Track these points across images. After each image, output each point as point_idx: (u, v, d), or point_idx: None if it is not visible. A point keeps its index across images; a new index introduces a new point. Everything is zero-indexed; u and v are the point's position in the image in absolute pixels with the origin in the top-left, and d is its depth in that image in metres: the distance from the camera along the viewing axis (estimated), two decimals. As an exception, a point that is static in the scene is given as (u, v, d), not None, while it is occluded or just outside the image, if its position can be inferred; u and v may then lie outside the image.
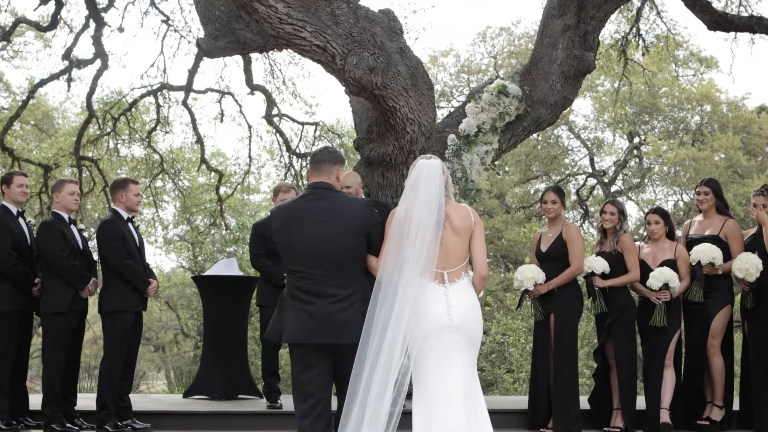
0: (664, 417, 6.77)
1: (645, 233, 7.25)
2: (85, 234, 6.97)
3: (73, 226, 6.65)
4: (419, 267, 4.17)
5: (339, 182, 4.46)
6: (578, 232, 6.93)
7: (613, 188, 23.07)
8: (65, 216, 6.62)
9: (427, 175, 4.32)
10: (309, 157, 4.57)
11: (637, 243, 7.20)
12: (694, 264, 6.87)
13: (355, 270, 4.29)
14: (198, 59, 14.30)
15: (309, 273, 4.24)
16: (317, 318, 4.19)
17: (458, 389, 4.16)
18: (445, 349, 4.20)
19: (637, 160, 23.38)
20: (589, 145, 23.44)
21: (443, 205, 4.30)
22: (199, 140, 16.28)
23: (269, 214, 4.82)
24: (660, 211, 7.15)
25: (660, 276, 6.73)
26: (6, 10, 14.22)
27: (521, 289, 6.77)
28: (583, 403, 7.07)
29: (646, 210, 22.36)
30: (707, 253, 6.84)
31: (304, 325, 4.21)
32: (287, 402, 8.61)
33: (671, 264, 6.85)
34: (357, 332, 4.12)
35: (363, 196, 6.89)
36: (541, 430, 6.73)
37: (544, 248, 6.86)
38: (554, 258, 6.77)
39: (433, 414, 4.12)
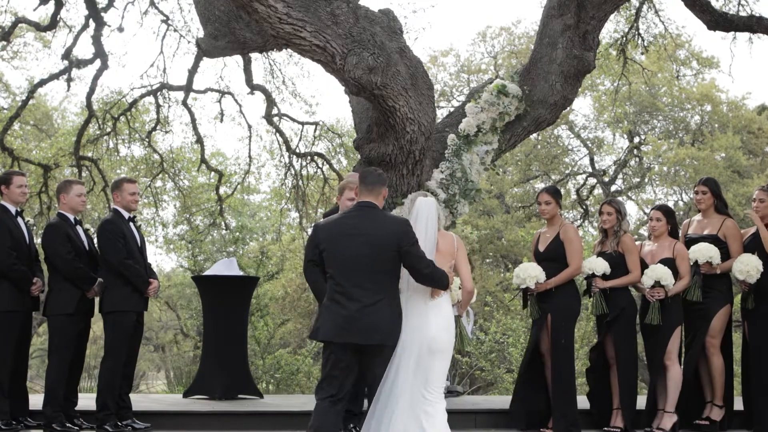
0: (666, 423, 6.74)
1: (647, 232, 7.24)
2: (90, 233, 6.95)
3: (78, 227, 6.64)
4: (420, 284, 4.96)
5: (383, 201, 5.14)
6: (575, 232, 6.91)
7: (613, 188, 23.07)
8: (71, 217, 6.61)
9: (426, 210, 5.17)
10: (360, 176, 5.25)
11: (640, 241, 7.19)
12: (691, 264, 6.87)
13: (384, 279, 4.86)
14: (198, 59, 14.30)
15: (345, 280, 4.83)
16: (348, 320, 4.77)
17: (416, 398, 4.85)
18: (419, 356, 4.88)
19: (637, 159, 23.38)
20: (589, 145, 23.45)
21: (436, 234, 5.12)
22: (199, 140, 16.28)
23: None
24: (663, 209, 7.11)
25: (652, 274, 6.72)
26: (5, 11, 14.23)
27: (521, 287, 6.75)
28: (584, 402, 7.07)
29: (647, 209, 22.37)
30: (704, 253, 6.83)
31: (337, 325, 4.79)
32: (285, 401, 8.62)
33: (670, 262, 6.83)
34: (382, 335, 4.78)
35: None
36: (542, 430, 6.73)
37: (541, 248, 6.86)
38: (552, 258, 6.75)
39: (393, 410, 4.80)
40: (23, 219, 6.67)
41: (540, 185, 23.31)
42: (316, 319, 4.98)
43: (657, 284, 6.72)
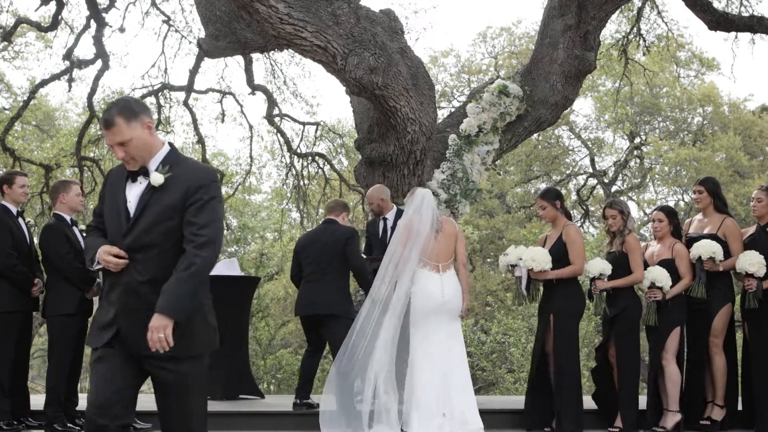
0: (668, 422, 6.75)
1: (647, 232, 7.24)
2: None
3: (75, 228, 6.64)
4: (420, 261, 6.31)
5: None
6: (577, 232, 6.89)
7: (614, 188, 23.07)
8: (67, 218, 6.61)
9: (428, 200, 6.43)
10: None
11: (644, 242, 7.17)
12: (695, 260, 6.85)
13: None
14: (199, 59, 14.31)
15: None
16: None
17: (442, 348, 6.23)
18: (438, 319, 6.25)
19: (638, 160, 23.38)
20: (590, 145, 23.45)
21: (439, 218, 6.45)
22: (201, 140, 16.29)
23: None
24: (665, 210, 7.07)
25: (648, 275, 6.71)
26: (7, 11, 14.24)
27: (515, 264, 6.72)
28: (588, 402, 7.06)
29: (648, 210, 22.38)
30: (707, 248, 6.80)
31: None
32: (286, 402, 8.62)
33: (669, 262, 6.83)
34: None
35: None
36: (545, 429, 6.71)
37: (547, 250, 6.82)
38: (555, 259, 6.71)
39: (424, 365, 6.15)
40: (24, 219, 6.67)
41: (541, 185, 23.31)
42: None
43: (653, 286, 6.72)
